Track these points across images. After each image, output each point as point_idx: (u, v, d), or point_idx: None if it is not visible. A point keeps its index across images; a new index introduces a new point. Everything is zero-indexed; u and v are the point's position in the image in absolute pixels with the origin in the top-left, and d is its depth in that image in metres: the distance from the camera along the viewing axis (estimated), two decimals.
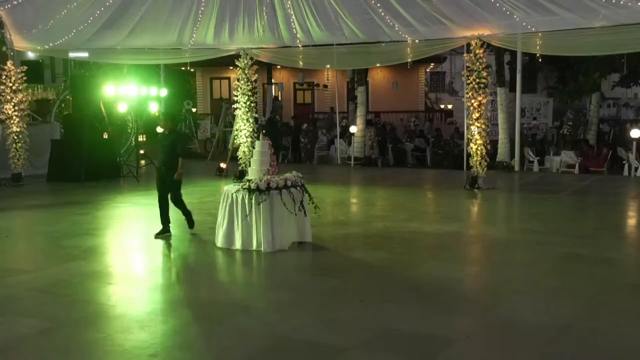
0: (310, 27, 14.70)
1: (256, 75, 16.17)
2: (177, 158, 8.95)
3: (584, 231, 9.58)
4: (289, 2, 13.96)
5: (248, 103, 15.77)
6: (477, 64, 13.32)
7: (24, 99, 15.24)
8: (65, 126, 16.88)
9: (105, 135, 15.59)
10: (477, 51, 13.32)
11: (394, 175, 17.33)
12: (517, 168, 17.14)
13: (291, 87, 33.28)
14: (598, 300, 6.28)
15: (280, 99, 30.96)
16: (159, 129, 9.50)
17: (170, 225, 9.19)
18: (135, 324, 5.64)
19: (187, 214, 9.38)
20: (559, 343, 5.20)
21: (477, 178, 13.57)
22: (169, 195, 9.13)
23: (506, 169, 17.25)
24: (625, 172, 17.29)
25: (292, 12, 14.28)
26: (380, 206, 12.29)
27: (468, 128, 13.88)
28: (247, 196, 8.08)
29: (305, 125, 22.46)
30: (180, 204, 9.28)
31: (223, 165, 16.33)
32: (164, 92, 20.15)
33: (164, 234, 9.08)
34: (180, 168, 8.90)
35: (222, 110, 22.05)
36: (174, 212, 9.30)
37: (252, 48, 15.77)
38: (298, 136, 22.40)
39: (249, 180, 8.30)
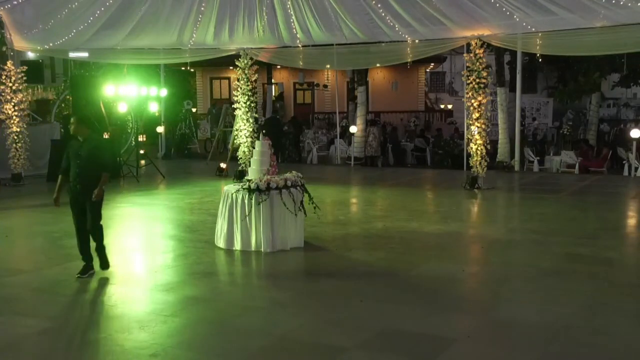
0: (310, 27, 14.70)
1: (256, 75, 16.18)
2: (96, 173, 7.04)
3: (584, 231, 9.58)
4: (289, 2, 13.96)
5: (248, 103, 15.78)
6: (477, 64, 13.32)
7: (24, 99, 15.24)
8: (65, 126, 16.86)
9: (106, 135, 15.58)
10: (477, 51, 13.32)
11: (394, 175, 17.33)
12: (517, 168, 17.15)
13: (291, 87, 33.28)
14: (598, 300, 6.27)
15: (282, 99, 30.76)
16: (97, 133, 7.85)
17: (93, 261, 7.27)
18: (135, 324, 5.64)
19: (101, 250, 7.30)
20: (559, 343, 5.21)
21: (477, 178, 13.58)
22: (87, 220, 7.13)
23: (506, 169, 17.25)
24: (625, 172, 17.29)
25: (292, 12, 14.28)
26: (380, 206, 12.29)
27: (468, 128, 13.89)
28: (247, 196, 8.08)
29: (286, 127, 22.37)
30: (98, 235, 7.18)
31: (223, 165, 16.34)
32: (164, 92, 20.16)
33: (88, 272, 7.16)
34: (102, 184, 6.98)
35: (222, 111, 22.05)
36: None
37: (252, 48, 15.77)
38: (298, 136, 22.38)
39: (248, 180, 8.31)
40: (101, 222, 7.17)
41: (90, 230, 7.13)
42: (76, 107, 16.10)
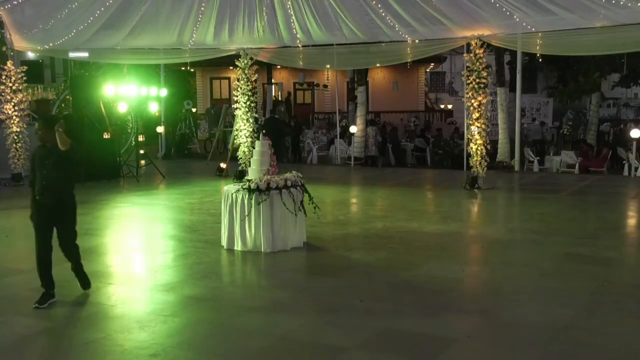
0: (310, 27, 14.69)
1: (256, 75, 16.18)
2: (69, 184, 6.38)
3: (584, 231, 9.57)
4: (289, 2, 13.96)
5: (248, 103, 15.79)
6: (477, 64, 13.32)
7: (24, 99, 15.25)
8: (65, 126, 16.83)
9: (106, 135, 15.59)
10: (477, 51, 13.31)
11: (394, 175, 17.33)
12: (517, 168, 17.14)
13: (291, 87, 33.28)
14: (598, 300, 6.27)
15: (282, 101, 30.57)
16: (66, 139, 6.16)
17: (54, 287, 6.24)
18: (135, 324, 5.64)
19: (80, 269, 6.58)
20: (559, 343, 5.20)
21: (477, 178, 13.57)
22: (59, 241, 6.37)
23: (506, 169, 17.25)
24: (625, 172, 17.29)
25: (292, 12, 14.27)
26: (380, 206, 12.28)
27: (468, 128, 13.89)
28: (247, 196, 8.08)
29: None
30: (75, 253, 6.51)
31: (223, 165, 16.35)
32: (164, 92, 20.16)
33: (48, 301, 6.13)
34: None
35: (222, 111, 22.06)
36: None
37: (252, 48, 15.78)
38: (298, 136, 22.39)
39: (248, 180, 8.31)
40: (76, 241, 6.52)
41: (66, 248, 6.39)
42: (76, 107, 16.11)
